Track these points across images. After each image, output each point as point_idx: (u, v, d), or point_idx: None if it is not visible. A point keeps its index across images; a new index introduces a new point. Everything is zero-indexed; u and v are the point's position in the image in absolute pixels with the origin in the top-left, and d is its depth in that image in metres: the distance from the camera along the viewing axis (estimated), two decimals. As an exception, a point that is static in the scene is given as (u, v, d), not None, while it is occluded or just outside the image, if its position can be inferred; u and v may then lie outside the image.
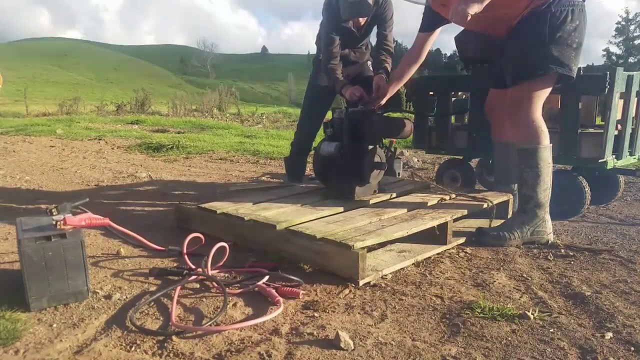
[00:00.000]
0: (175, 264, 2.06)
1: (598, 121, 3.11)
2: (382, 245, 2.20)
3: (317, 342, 1.43)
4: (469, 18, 2.04)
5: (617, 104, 2.70)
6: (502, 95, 2.47)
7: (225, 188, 3.76)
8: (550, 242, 2.38)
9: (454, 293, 1.81)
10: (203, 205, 2.52)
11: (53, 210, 1.87)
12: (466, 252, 2.29)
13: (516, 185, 2.65)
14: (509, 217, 2.71)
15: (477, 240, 2.42)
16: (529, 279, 1.96)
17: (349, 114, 2.58)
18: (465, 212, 2.41)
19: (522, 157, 2.36)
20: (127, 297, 1.74)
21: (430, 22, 2.62)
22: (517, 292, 1.83)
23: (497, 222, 2.59)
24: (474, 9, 2.04)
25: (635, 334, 1.49)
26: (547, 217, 2.39)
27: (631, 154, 2.96)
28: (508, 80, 2.37)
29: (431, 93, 3.46)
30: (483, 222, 2.56)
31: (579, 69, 3.43)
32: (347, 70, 3.28)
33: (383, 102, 2.79)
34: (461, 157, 3.44)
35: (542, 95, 2.31)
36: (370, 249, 2.14)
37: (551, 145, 2.34)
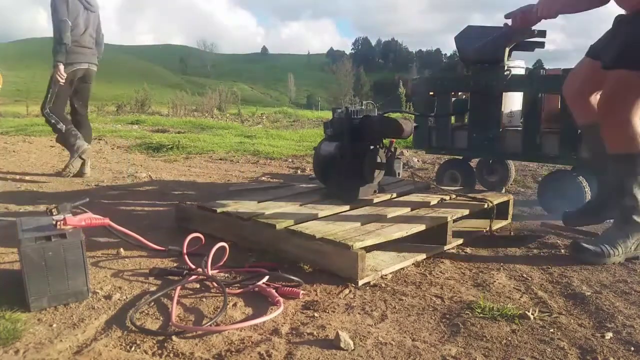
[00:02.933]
0: (175, 264, 2.06)
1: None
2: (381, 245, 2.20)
3: (317, 342, 1.43)
4: None
5: (617, 104, 2.69)
6: (596, 70, 2.14)
7: (225, 188, 3.76)
8: None
9: (454, 293, 1.81)
10: (203, 205, 2.52)
11: (53, 210, 1.88)
12: (466, 252, 2.29)
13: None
14: (509, 217, 2.72)
15: (573, 256, 2.14)
16: (529, 279, 1.96)
17: (349, 114, 2.59)
18: (465, 212, 2.41)
19: (625, 163, 2.06)
20: (127, 297, 1.74)
21: None
22: (517, 292, 1.83)
23: (497, 223, 2.59)
24: None
25: (635, 334, 1.49)
26: None
27: (631, 154, 2.95)
28: (609, 58, 2.02)
29: (431, 93, 3.47)
30: (483, 222, 2.56)
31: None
32: None
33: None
34: (461, 157, 3.45)
35: None
36: (370, 249, 2.14)
37: None
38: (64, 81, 4.01)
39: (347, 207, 2.45)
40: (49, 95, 4.11)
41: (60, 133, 4.12)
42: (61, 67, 3.92)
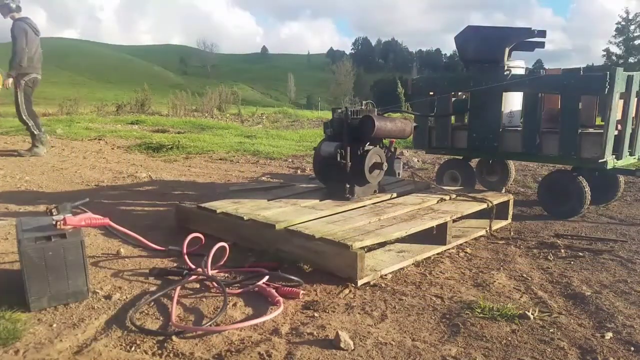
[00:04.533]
0: (175, 264, 2.06)
1: (598, 121, 3.11)
2: (381, 245, 2.20)
3: (317, 342, 1.43)
4: None
5: (617, 104, 2.70)
6: None
7: (225, 188, 3.76)
8: None
9: (454, 293, 1.81)
10: (203, 205, 2.52)
11: (53, 210, 1.88)
12: (466, 252, 2.29)
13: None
14: (509, 217, 2.72)
15: None
16: (529, 279, 1.96)
17: (349, 114, 2.58)
18: (464, 212, 2.41)
19: None
20: (127, 297, 1.74)
21: None
22: (517, 292, 1.83)
23: (497, 223, 2.60)
24: None
25: (635, 334, 1.49)
26: None
27: (631, 154, 2.96)
28: None
29: (431, 93, 3.46)
30: (483, 222, 2.56)
31: (579, 68, 3.44)
32: None
33: None
34: (461, 157, 3.44)
35: None
36: (370, 248, 2.14)
37: None
38: (6, 87, 5.42)
39: (346, 207, 2.45)
40: (20, 101, 5.46)
41: (32, 135, 5.62)
42: (10, 80, 5.31)
